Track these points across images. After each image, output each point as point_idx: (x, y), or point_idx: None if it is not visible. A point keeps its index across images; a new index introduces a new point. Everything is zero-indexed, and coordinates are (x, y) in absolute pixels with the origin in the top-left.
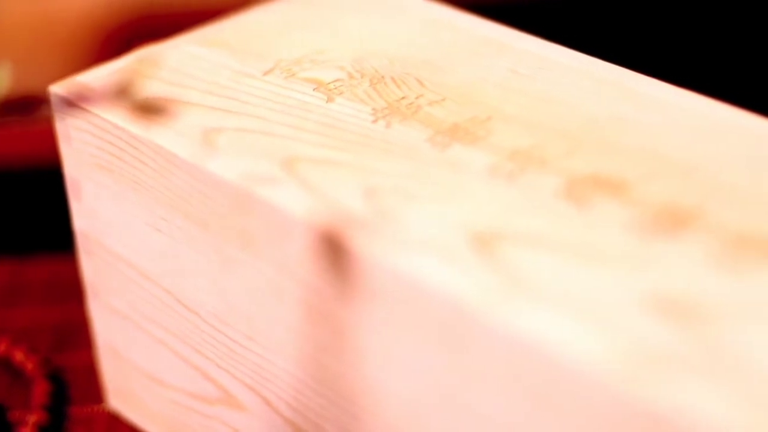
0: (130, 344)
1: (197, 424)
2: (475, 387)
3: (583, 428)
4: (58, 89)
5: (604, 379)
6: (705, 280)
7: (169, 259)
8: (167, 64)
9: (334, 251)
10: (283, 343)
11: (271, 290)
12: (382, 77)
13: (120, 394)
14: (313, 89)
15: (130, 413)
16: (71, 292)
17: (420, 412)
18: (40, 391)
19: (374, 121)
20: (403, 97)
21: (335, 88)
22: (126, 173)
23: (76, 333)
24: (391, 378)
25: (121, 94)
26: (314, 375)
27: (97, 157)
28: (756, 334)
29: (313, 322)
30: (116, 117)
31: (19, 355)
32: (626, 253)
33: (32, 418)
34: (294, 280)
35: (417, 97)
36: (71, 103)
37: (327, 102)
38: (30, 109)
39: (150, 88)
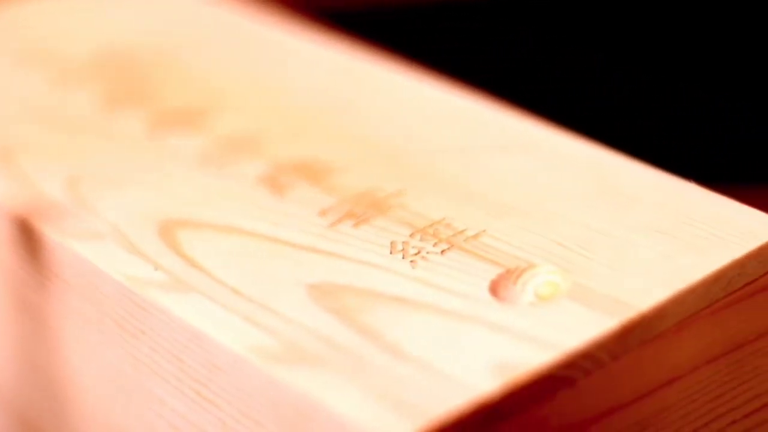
0: None
1: None
2: (149, 374)
3: (239, 413)
4: None
5: (256, 366)
6: (383, 269)
7: None
8: None
9: (29, 240)
10: (1, 334)
11: None
12: (123, 66)
13: None
14: (49, 78)
15: None
16: None
17: (110, 402)
18: None
19: (102, 109)
20: (137, 86)
21: (71, 77)
22: None
23: None
24: (87, 368)
25: None
26: (29, 365)
27: None
28: (415, 325)
29: (20, 312)
30: None
31: None
32: (312, 241)
33: None
34: (1, 269)
35: (151, 85)
36: None
37: (61, 90)
38: None
39: None
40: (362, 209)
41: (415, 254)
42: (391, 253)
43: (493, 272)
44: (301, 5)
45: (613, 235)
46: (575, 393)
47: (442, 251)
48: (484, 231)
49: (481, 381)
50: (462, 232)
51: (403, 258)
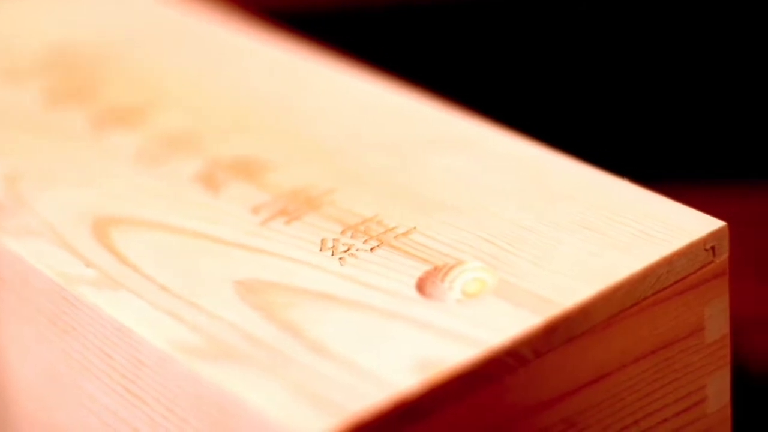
0: None
1: None
2: (80, 371)
3: (165, 410)
4: None
5: (180, 363)
6: (312, 266)
7: None
8: None
9: None
10: None
11: None
12: (68, 64)
13: None
14: None
15: None
16: None
17: (48, 400)
18: None
19: (45, 106)
20: (81, 84)
21: (16, 75)
22: None
23: None
24: (25, 367)
25: None
26: None
27: None
28: (340, 322)
29: None
30: None
31: None
32: (243, 238)
33: None
34: None
35: (95, 83)
36: None
37: (4, 88)
38: None
39: None
40: (295, 206)
41: (345, 251)
42: (320, 250)
43: (421, 269)
44: (250, 5)
45: (542, 232)
46: (499, 390)
47: (372, 248)
48: (414, 228)
49: (402, 378)
50: (393, 229)
51: (332, 255)
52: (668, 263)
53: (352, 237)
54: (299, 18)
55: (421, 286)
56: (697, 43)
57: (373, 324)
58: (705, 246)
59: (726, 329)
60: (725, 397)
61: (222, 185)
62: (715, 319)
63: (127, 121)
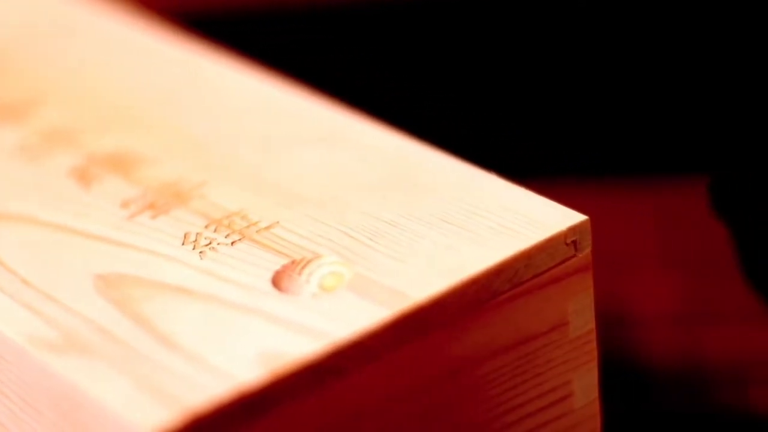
0: None
1: None
2: None
3: (24, 403)
4: None
5: (33, 356)
6: (171, 260)
7: None
8: None
9: None
10: None
11: None
12: None
13: None
14: None
15: None
16: None
17: None
18: None
19: None
20: None
21: None
22: None
23: None
24: None
25: None
26: None
27: None
28: (192, 316)
29: None
30: None
31: None
32: (108, 232)
33: None
34: None
35: None
36: None
37: None
38: None
39: None
40: (164, 200)
41: (206, 245)
42: (183, 244)
43: (279, 263)
44: (151, 4)
45: (401, 226)
46: (348, 385)
47: (233, 242)
48: (277, 222)
49: (246, 371)
50: (256, 223)
51: (193, 249)
52: (527, 257)
53: (215, 231)
54: (200, 19)
55: (277, 280)
56: (560, 38)
57: (226, 318)
58: (566, 240)
59: (591, 324)
60: (593, 392)
61: (94, 179)
62: (580, 314)
63: (10, 116)
